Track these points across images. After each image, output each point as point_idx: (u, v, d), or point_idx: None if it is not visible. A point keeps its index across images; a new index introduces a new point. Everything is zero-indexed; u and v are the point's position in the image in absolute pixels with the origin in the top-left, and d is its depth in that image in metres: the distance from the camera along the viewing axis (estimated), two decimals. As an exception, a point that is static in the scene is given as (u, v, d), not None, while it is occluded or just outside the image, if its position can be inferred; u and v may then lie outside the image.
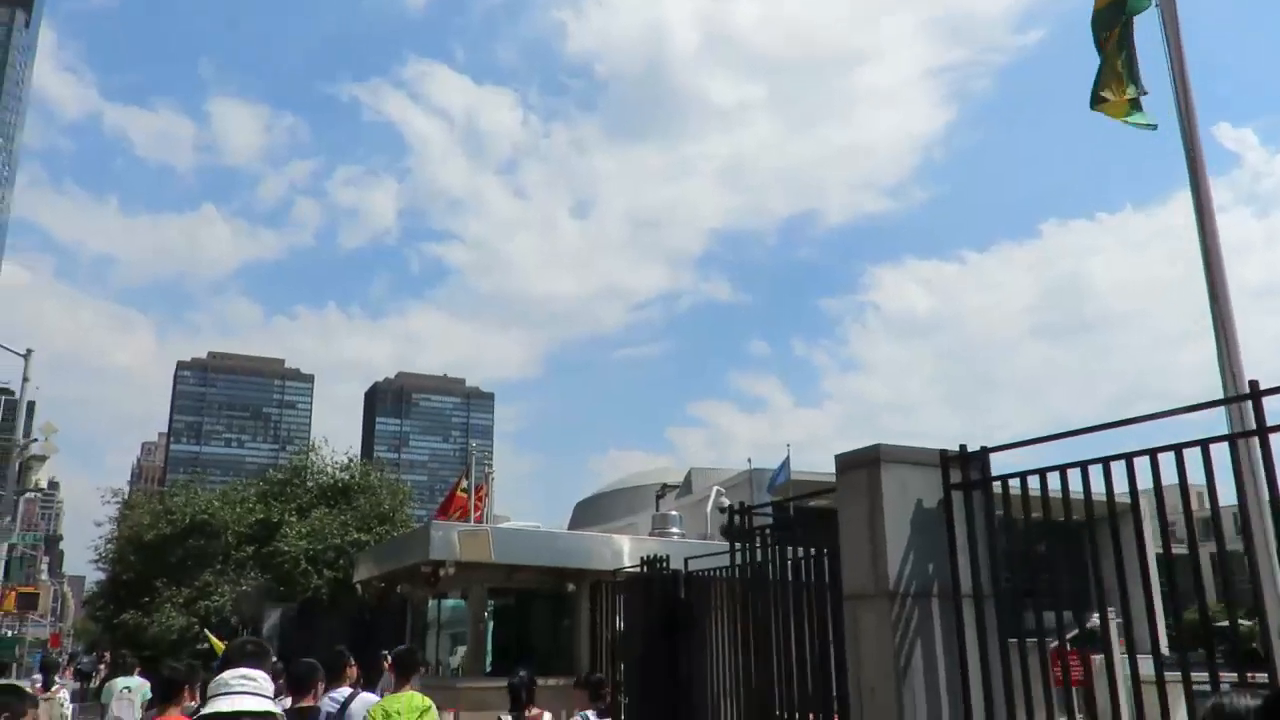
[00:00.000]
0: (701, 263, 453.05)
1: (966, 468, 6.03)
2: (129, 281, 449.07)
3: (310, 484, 30.57)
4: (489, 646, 13.76)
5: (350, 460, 32.45)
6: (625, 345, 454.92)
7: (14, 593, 23.75)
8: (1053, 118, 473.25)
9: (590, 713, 8.75)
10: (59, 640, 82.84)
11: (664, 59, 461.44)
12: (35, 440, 24.26)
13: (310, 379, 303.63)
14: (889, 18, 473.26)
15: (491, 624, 14.07)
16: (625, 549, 14.07)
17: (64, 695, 12.92)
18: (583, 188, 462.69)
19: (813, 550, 7.22)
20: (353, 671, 9.63)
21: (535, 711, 8.15)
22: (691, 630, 12.74)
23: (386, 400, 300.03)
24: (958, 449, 6.21)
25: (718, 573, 11.64)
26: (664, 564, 12.81)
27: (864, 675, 6.02)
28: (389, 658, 9.35)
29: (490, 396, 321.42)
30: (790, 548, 7.88)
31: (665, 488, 23.64)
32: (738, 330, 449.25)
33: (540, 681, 13.54)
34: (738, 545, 8.48)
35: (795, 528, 7.73)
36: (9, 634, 27.89)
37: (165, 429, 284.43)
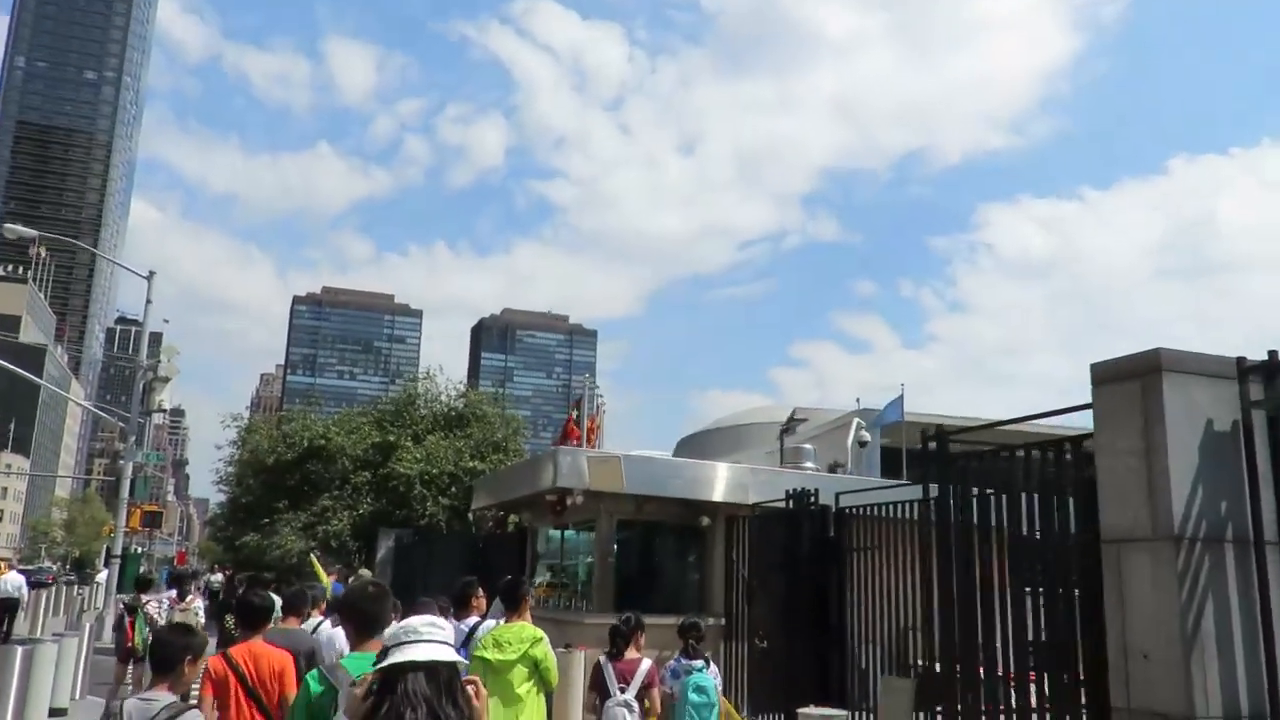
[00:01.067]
0: (809, 201, 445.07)
1: (1275, 380, 4.73)
2: (250, 218, 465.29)
3: (424, 411, 30.30)
4: (613, 580, 12.87)
5: (464, 389, 32.10)
6: (729, 285, 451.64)
7: (139, 510, 24.01)
8: (1187, 46, 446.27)
9: (681, 656, 8.14)
10: (185, 558, 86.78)
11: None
12: (158, 362, 24.35)
13: (419, 314, 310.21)
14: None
15: (617, 557, 13.17)
16: (762, 482, 12.98)
17: (198, 605, 12.98)
18: (689, 124, 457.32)
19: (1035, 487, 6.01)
20: (480, 603, 8.85)
21: (634, 655, 7.53)
22: (843, 572, 11.63)
23: (492, 336, 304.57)
24: (1266, 357, 4.86)
25: (884, 509, 10.48)
26: (813, 499, 11.70)
27: (1131, 636, 4.81)
28: (492, 589, 8.53)
29: (593, 333, 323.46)
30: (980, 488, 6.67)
31: (792, 420, 22.43)
32: (844, 270, 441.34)
33: (665, 620, 12.65)
34: (911, 484, 7.19)
35: (1017, 457, 6.41)
36: (137, 550, 28.52)
37: (282, 361, 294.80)
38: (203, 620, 12.55)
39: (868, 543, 11.03)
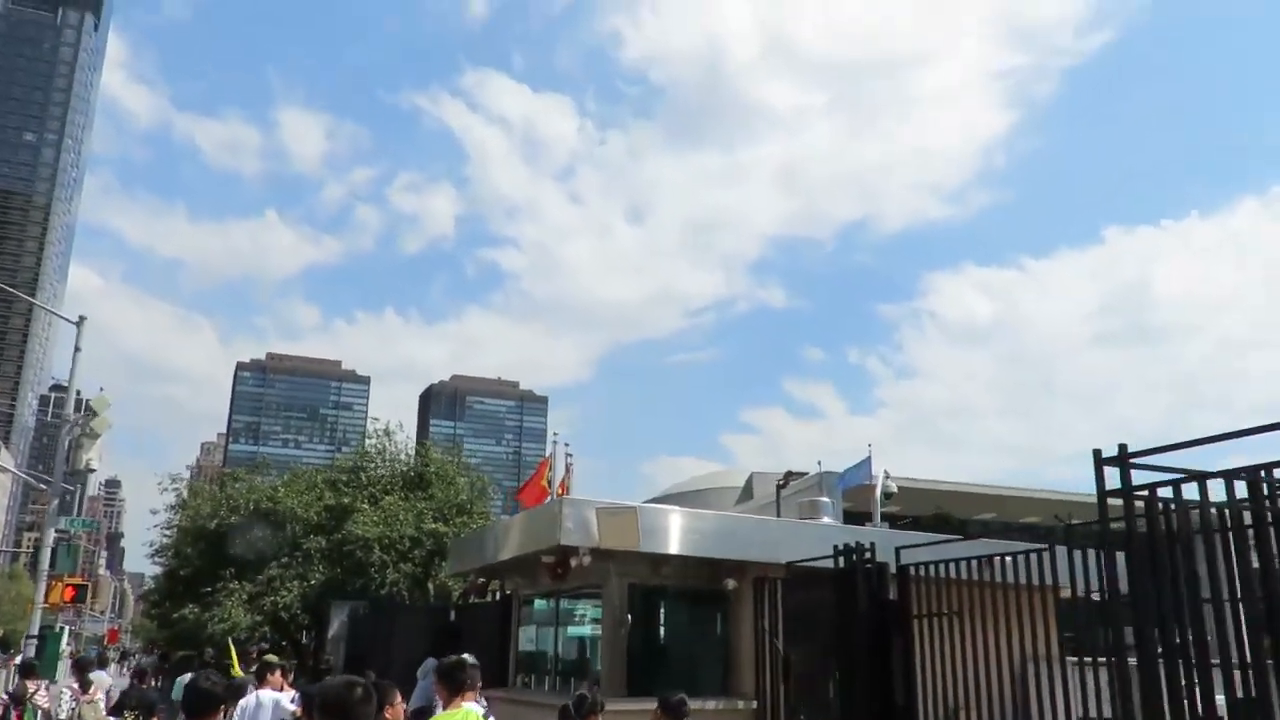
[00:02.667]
0: (757, 268, 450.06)
1: None
2: (196, 285, 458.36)
3: (381, 471, 28.04)
4: (625, 657, 10.90)
5: (426, 447, 29.95)
6: (679, 351, 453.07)
7: (62, 584, 21.42)
8: (1118, 122, 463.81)
9: None
10: (117, 636, 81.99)
11: (721, 65, 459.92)
12: (86, 415, 21.99)
13: (367, 380, 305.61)
14: (950, 21, 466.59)
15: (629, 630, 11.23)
16: (797, 537, 11.19)
17: (100, 697, 11.41)
18: (639, 193, 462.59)
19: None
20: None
21: None
22: (910, 642, 9.82)
23: (441, 403, 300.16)
24: None
25: (952, 567, 8.74)
26: (868, 555, 9.92)
27: None
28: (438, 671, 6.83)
29: (544, 400, 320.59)
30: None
31: (790, 475, 20.68)
32: (792, 336, 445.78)
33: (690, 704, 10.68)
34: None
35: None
36: (61, 628, 25.67)
37: (224, 429, 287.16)
38: (102, 715, 11.19)
39: (938, 607, 9.27)
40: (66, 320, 23.23)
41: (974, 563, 8.85)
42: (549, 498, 25.63)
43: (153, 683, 23.48)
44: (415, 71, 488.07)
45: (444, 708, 6.13)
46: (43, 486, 23.68)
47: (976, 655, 8.76)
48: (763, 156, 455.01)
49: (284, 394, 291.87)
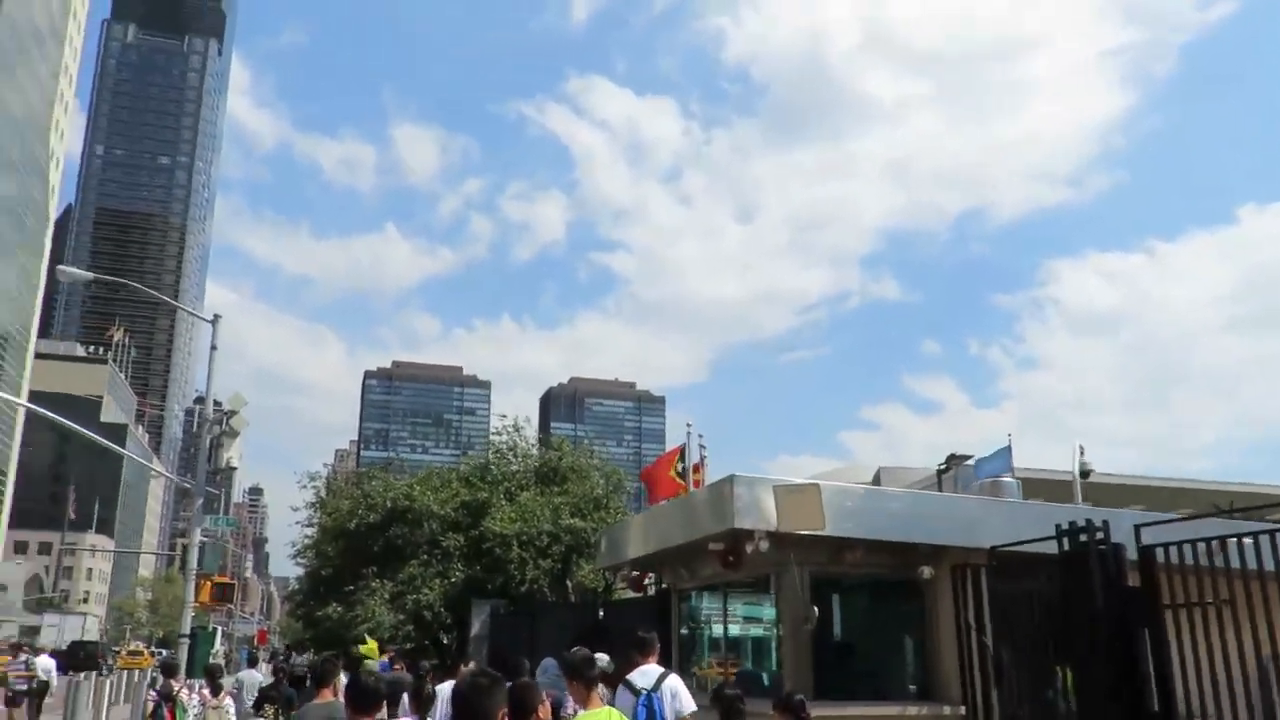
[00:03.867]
0: (868, 262, 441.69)
1: None
2: (322, 299, 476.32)
3: (516, 467, 27.49)
4: (810, 656, 9.70)
5: (559, 441, 29.32)
6: (792, 349, 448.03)
7: (209, 583, 21.43)
8: (1245, 96, 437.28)
9: None
10: (266, 637, 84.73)
11: (823, 59, 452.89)
12: (225, 413, 21.99)
13: (487, 385, 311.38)
14: (1057, 1, 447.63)
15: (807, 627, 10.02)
16: (1003, 518, 9.81)
17: (229, 704, 11.55)
18: (745, 192, 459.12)
19: None
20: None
21: None
22: (1161, 638, 8.38)
23: (560, 405, 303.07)
24: None
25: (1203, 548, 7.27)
26: (1100, 534, 8.52)
27: None
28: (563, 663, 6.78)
29: (661, 400, 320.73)
30: None
31: (954, 459, 19.12)
32: (909, 331, 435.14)
33: (876, 710, 9.44)
34: None
35: None
36: (213, 628, 25.97)
37: (355, 437, 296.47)
38: None
39: (1198, 596, 7.80)
40: (203, 319, 23.36)
41: (1244, 542, 7.38)
42: (682, 491, 24.69)
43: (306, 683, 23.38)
44: (520, 81, 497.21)
45: (584, 706, 5.82)
46: (188, 485, 23.87)
47: (1244, 652, 7.29)
48: (870, 149, 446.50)
49: (409, 400, 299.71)
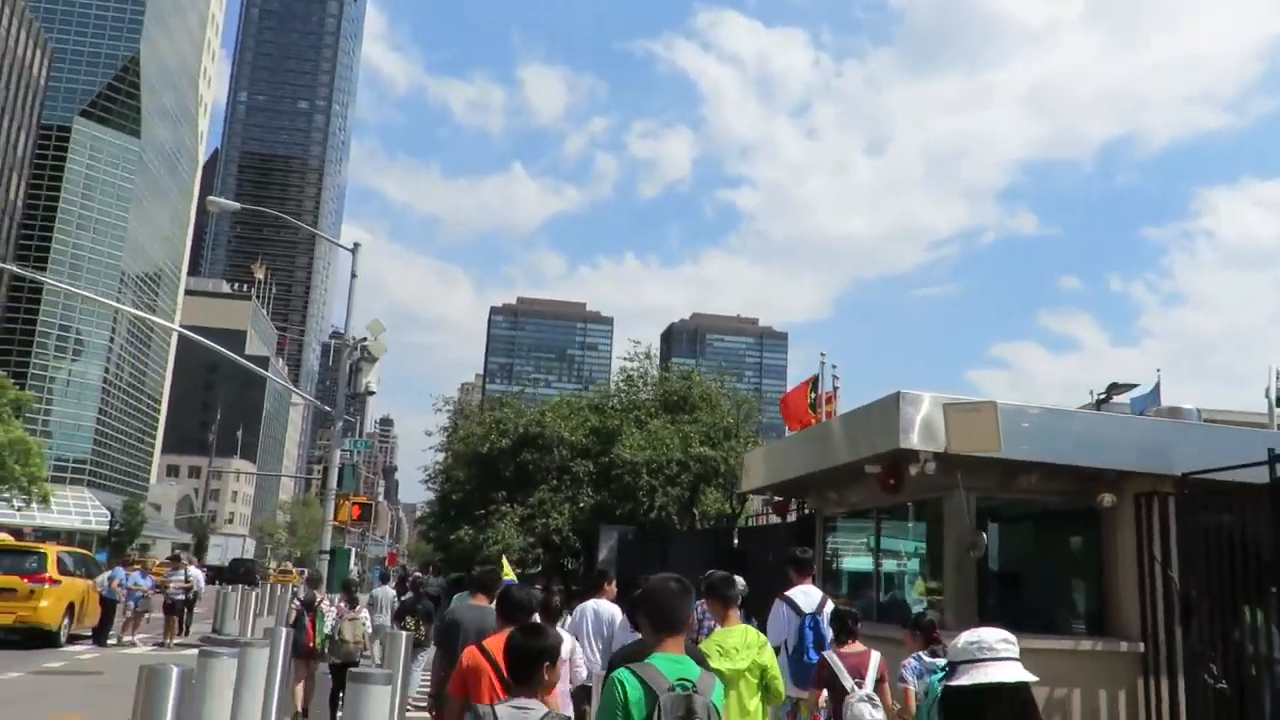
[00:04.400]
0: (1005, 196, 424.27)
1: None
2: (451, 239, 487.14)
3: (645, 395, 27.29)
4: (975, 585, 9.07)
5: (690, 370, 28.98)
6: (922, 285, 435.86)
7: (348, 503, 21.96)
8: None
9: (923, 653, 6.73)
10: (395, 558, 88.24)
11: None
12: (365, 340, 22.32)
13: (610, 321, 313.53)
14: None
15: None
16: (1197, 441, 8.92)
17: (365, 615, 12.02)
18: (877, 125, 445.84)
19: None
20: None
21: (859, 647, 6.76)
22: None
23: (681, 341, 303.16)
24: None
25: None
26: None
27: None
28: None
29: (784, 336, 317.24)
30: None
31: (1115, 388, 17.90)
32: (1046, 266, 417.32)
33: (1048, 643, 8.74)
34: None
35: None
36: (349, 548, 26.82)
37: (481, 370, 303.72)
38: (369, 630, 12.10)
39: None
40: (343, 247, 23.66)
41: None
42: (814, 420, 23.99)
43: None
44: (648, 18, 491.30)
45: (722, 624, 5.80)
46: (328, 410, 24.47)
47: None
48: (1011, 77, 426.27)
49: (534, 336, 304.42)
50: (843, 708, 6.35)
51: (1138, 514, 8.97)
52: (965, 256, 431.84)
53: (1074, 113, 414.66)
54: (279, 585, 32.79)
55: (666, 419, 25.60)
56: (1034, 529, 9.53)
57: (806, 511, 12.46)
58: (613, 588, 10.38)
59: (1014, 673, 2.60)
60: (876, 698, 6.39)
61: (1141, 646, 8.71)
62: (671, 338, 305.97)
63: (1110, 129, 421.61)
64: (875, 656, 6.62)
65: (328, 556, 21.63)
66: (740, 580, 10.56)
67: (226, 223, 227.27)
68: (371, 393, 22.17)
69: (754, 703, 5.40)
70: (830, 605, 7.72)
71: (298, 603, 12.17)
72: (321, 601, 11.95)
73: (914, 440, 8.52)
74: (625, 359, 28.69)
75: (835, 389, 27.13)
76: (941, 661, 6.47)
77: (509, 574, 15.31)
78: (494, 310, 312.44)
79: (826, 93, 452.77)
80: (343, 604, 11.99)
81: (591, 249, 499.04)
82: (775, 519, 16.11)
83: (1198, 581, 8.39)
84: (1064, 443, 8.85)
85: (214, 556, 73.56)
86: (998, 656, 2.61)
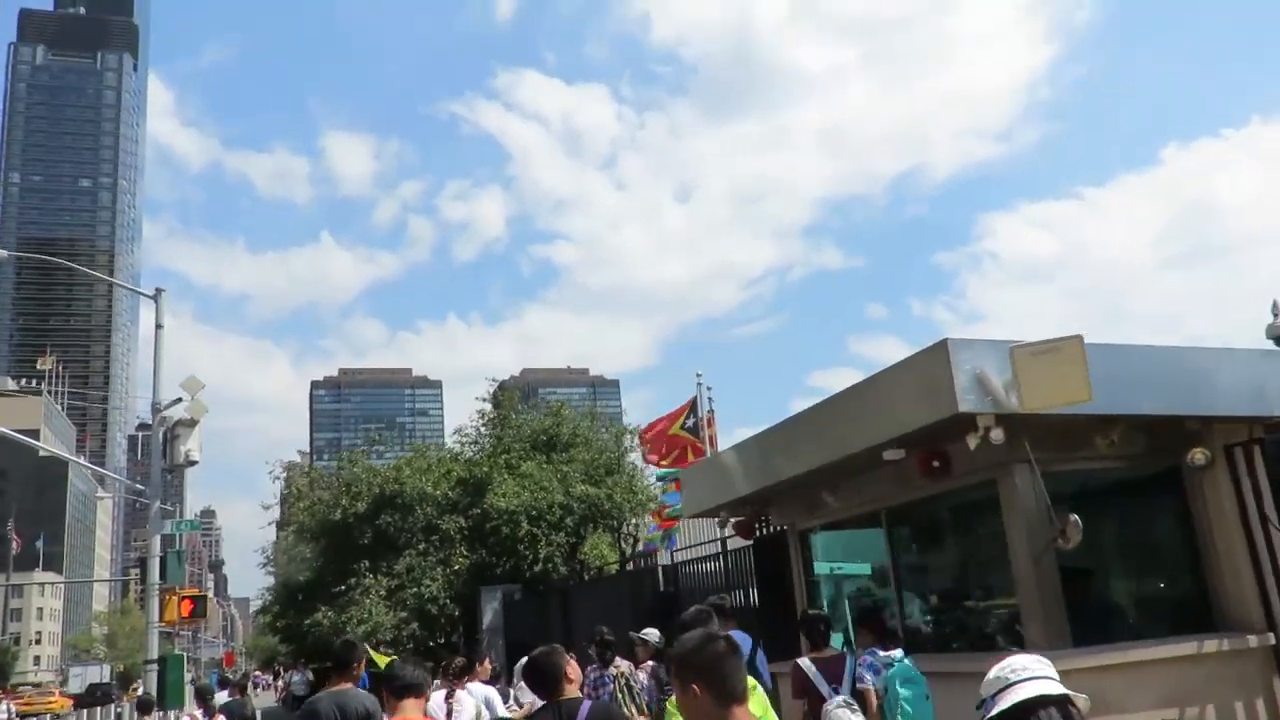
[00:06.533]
0: (809, 232, 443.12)
1: None
2: (263, 315, 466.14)
3: (508, 437, 24.42)
4: (1056, 586, 6.94)
5: (556, 406, 26.42)
6: (741, 324, 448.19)
7: (174, 596, 18.20)
8: (1162, 39, 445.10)
9: (877, 648, 6.35)
10: (233, 659, 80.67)
11: (750, 34, 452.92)
12: (179, 401, 18.75)
13: (439, 385, 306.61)
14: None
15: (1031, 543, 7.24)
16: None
17: None
18: (683, 172, 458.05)
19: None
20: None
21: (831, 651, 6.52)
22: None
23: (515, 398, 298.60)
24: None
25: None
26: None
27: None
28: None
29: (615, 383, 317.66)
30: None
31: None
32: (853, 296, 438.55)
33: (1144, 652, 6.75)
34: None
35: None
36: (180, 653, 22.67)
37: (307, 448, 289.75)
38: None
39: None
40: (144, 295, 20.05)
41: None
42: (692, 446, 21.88)
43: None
44: (449, 81, 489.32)
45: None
46: (141, 487, 20.56)
47: None
48: (803, 120, 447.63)
49: (360, 407, 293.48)
50: (821, 715, 6.13)
51: (1232, 469, 7.11)
52: (778, 292, 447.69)
53: (863, 150, 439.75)
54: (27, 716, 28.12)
55: (541, 459, 22.91)
56: (1102, 507, 7.51)
57: (770, 529, 10.12)
58: (487, 666, 9.81)
59: (1052, 688, 2.38)
60: (854, 703, 6.12)
61: (1272, 637, 6.79)
62: (502, 395, 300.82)
63: (898, 164, 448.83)
64: (848, 659, 6.39)
65: (155, 666, 17.74)
66: (653, 633, 8.49)
67: (8, 315, 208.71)
68: (193, 462, 18.55)
69: None
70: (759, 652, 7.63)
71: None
72: None
73: (975, 399, 6.36)
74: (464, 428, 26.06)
75: (711, 411, 25.01)
76: (897, 654, 6.34)
77: (382, 659, 12.61)
78: (315, 384, 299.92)
79: (632, 144, 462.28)
80: (198, 713, 11.20)
81: (412, 314, 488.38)
82: (700, 549, 13.82)
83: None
84: (1149, 388, 6.90)
85: (74, 686, 73.35)
86: (1032, 675, 2.42)
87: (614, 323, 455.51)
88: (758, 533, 10.43)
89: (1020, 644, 6.79)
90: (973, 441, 6.49)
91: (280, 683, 47.46)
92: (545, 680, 4.38)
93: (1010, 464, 6.85)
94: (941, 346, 6.44)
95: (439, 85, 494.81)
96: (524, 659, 4.92)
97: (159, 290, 19.70)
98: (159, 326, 19.54)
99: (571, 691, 4.39)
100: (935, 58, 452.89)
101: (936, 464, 6.91)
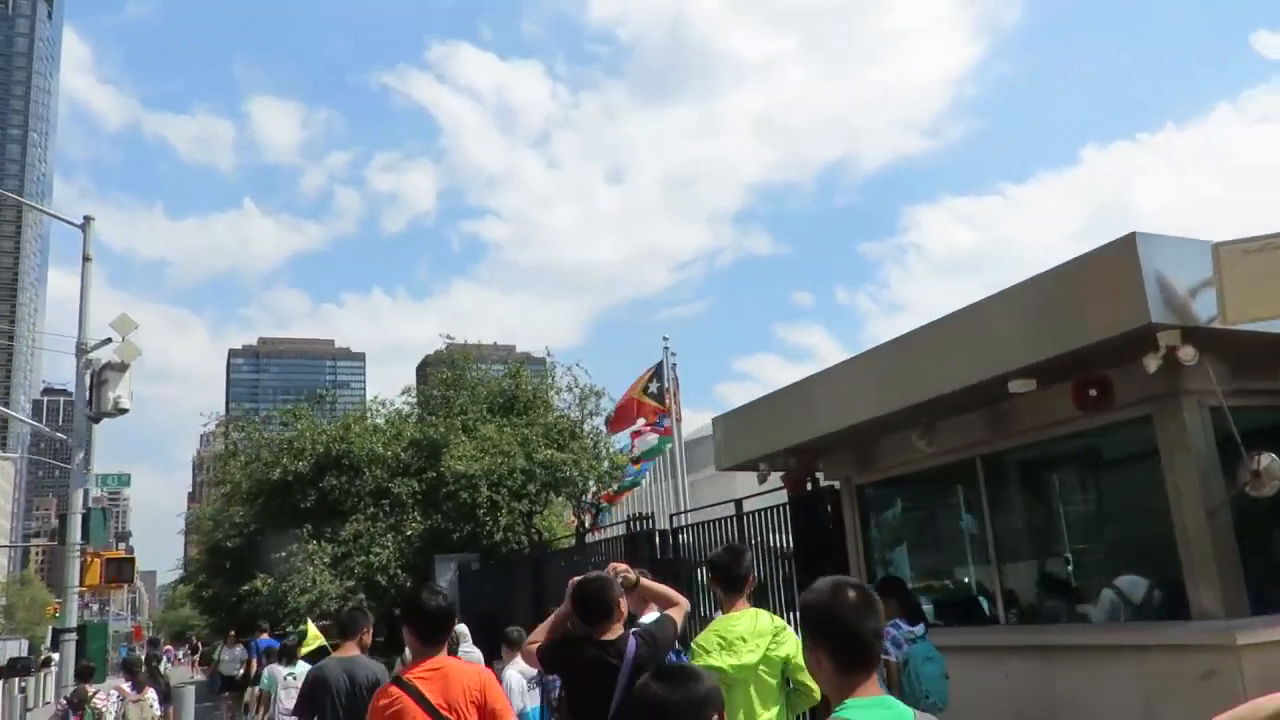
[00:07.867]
0: (740, 218, 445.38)
1: None
2: (182, 282, 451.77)
3: (463, 399, 22.84)
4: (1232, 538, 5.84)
5: (515, 367, 24.96)
6: (669, 306, 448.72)
7: (97, 559, 16.35)
8: (1086, 41, 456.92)
9: (901, 621, 6.04)
10: (141, 633, 77.36)
11: (687, 18, 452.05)
12: (108, 342, 16.84)
13: (361, 357, 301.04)
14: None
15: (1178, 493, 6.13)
16: None
17: (152, 696, 11.21)
18: (616, 154, 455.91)
19: None
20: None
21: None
22: None
23: (470, 357, 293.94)
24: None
25: None
26: None
27: None
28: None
29: (541, 361, 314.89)
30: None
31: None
32: (780, 282, 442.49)
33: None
34: None
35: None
36: (100, 621, 20.72)
37: (222, 419, 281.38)
38: (158, 713, 11.34)
39: None
40: (70, 224, 17.97)
41: None
42: (661, 413, 20.70)
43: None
44: (382, 52, 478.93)
45: (724, 610, 4.67)
46: (64, 435, 18.52)
47: None
48: (737, 106, 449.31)
49: (279, 377, 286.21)
50: None
51: None
52: (707, 276, 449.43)
53: (795, 138, 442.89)
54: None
55: (500, 421, 21.42)
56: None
57: (828, 483, 8.90)
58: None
59: None
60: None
61: None
62: (427, 370, 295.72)
63: (828, 153, 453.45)
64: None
65: (74, 636, 15.84)
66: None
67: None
68: (123, 410, 16.67)
69: (772, 710, 4.25)
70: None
71: (63, 702, 11.07)
72: (94, 695, 10.59)
73: (1166, 309, 5.19)
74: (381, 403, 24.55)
75: (675, 379, 23.70)
76: (920, 629, 6.07)
77: (317, 639, 11.46)
78: (233, 353, 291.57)
79: (566, 123, 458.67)
80: (126, 686, 11.01)
81: (336, 286, 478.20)
82: (715, 509, 12.59)
83: None
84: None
85: None
86: None
87: (543, 300, 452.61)
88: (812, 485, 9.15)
89: (1185, 613, 5.66)
90: (1152, 364, 5.32)
91: (197, 658, 44.96)
92: (595, 612, 4.07)
93: (1178, 394, 5.70)
94: (1129, 241, 5.23)
95: (371, 54, 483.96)
96: (574, 581, 4.27)
97: (87, 219, 17.70)
98: (87, 259, 17.55)
99: (617, 630, 4.05)
100: (869, 50, 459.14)
101: (1094, 393, 5.72)
